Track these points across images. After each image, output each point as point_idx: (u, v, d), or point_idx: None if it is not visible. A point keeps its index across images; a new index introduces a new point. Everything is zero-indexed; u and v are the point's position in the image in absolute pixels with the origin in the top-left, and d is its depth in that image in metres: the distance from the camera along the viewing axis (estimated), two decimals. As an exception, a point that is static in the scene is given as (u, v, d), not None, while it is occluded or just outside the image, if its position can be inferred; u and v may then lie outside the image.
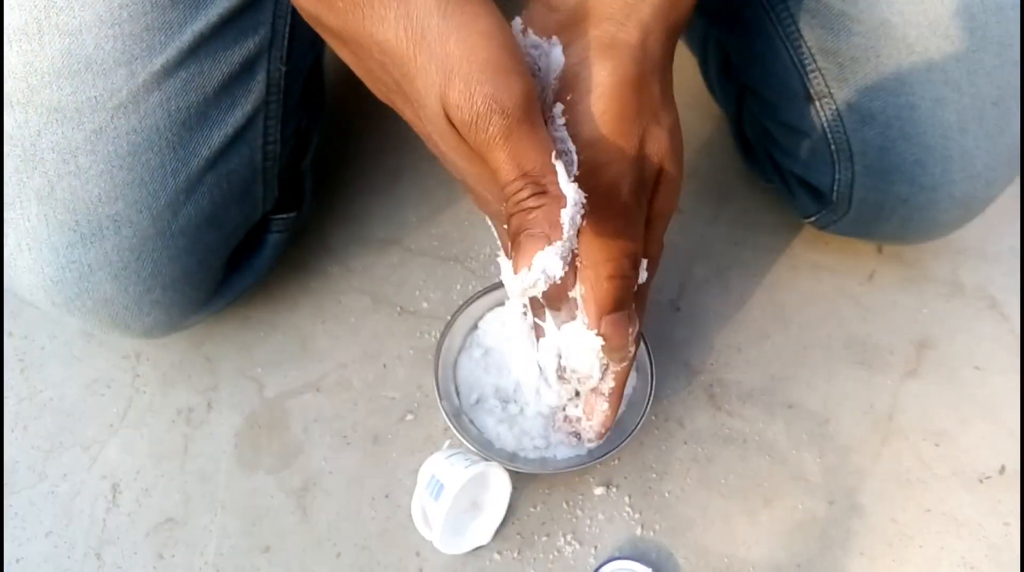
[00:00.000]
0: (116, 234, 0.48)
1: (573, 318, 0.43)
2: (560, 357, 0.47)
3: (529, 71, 0.33)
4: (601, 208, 0.37)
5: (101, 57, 0.46)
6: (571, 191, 0.32)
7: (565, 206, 0.32)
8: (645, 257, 0.42)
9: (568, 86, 0.37)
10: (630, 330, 0.42)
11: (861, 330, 0.63)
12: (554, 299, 0.43)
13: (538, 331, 0.48)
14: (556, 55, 0.37)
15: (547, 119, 0.36)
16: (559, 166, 0.32)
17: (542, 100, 0.38)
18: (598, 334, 0.41)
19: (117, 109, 0.47)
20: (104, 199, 0.47)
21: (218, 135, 0.50)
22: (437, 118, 0.32)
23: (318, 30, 0.36)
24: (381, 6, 0.32)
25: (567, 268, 0.32)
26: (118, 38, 0.46)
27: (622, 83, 0.37)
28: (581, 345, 0.43)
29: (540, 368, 0.51)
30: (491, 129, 0.31)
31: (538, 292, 0.32)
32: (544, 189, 0.32)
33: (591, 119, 0.37)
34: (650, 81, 0.38)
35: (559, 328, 0.46)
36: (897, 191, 0.54)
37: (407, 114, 0.37)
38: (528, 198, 0.32)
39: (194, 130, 0.49)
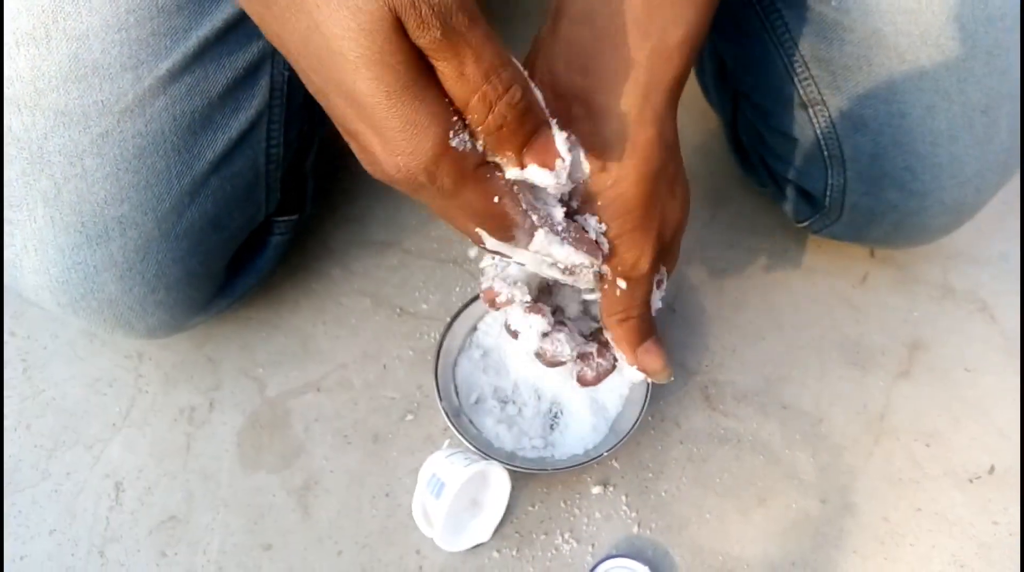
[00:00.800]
0: (122, 236, 0.48)
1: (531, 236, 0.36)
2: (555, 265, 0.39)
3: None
4: (625, 279, 0.41)
5: (108, 62, 0.47)
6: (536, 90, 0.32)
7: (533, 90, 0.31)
8: (666, 274, 0.45)
9: (590, 184, 0.38)
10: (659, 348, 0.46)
11: (854, 332, 0.64)
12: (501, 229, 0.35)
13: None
14: (580, 159, 0.36)
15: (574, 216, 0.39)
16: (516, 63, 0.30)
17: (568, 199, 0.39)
18: (639, 368, 0.46)
19: (123, 113, 0.47)
20: (110, 201, 0.48)
21: (222, 139, 0.50)
22: (353, 15, 0.26)
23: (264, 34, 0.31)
24: None
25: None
26: (124, 43, 0.47)
27: (644, 180, 0.38)
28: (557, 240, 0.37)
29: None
30: (456, 20, 0.27)
31: (581, 170, 0.35)
32: (525, 81, 0.30)
33: (617, 217, 0.39)
34: (667, 165, 0.40)
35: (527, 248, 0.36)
36: (888, 197, 0.55)
37: (282, 35, 0.29)
38: (523, 96, 0.29)
39: (198, 134, 0.49)
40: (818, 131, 0.55)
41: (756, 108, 0.59)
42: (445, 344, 0.56)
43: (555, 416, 0.56)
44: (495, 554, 0.52)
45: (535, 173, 0.32)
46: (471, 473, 0.46)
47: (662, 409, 0.59)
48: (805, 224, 0.62)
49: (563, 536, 0.53)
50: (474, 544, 0.50)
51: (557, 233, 0.36)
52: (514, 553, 0.52)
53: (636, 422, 0.53)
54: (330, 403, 0.59)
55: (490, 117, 0.29)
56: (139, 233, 0.48)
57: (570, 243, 0.36)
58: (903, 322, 0.65)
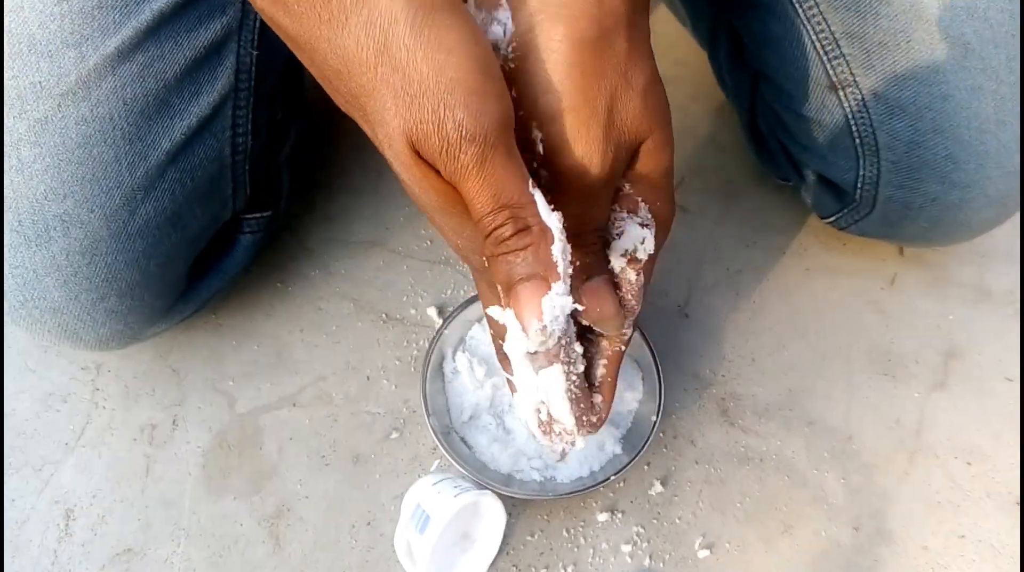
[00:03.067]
0: (65, 236, 0.43)
1: (550, 363, 0.35)
2: (540, 410, 0.38)
3: (506, 91, 0.29)
4: (563, 188, 0.33)
5: (46, 37, 0.42)
6: (554, 221, 0.29)
7: (552, 241, 0.29)
8: (655, 220, 0.36)
9: (520, 58, 0.32)
10: (621, 299, 0.37)
11: (883, 338, 0.58)
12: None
13: (510, 386, 0.40)
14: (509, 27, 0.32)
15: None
16: (538, 195, 0.29)
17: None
18: (584, 314, 0.36)
19: (64, 96, 0.42)
20: (51, 197, 0.42)
21: (180, 126, 0.45)
22: (398, 142, 0.29)
23: (276, 31, 0.31)
24: (341, 9, 0.28)
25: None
26: (66, 16, 0.42)
27: (575, 47, 0.31)
28: (562, 392, 0.36)
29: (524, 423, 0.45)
30: (462, 158, 0.28)
31: (552, 344, 0.30)
32: (526, 223, 0.30)
33: (547, 92, 0.32)
34: (612, 38, 0.32)
35: (536, 373, 0.35)
36: (927, 189, 0.50)
37: (367, 131, 0.32)
38: (511, 236, 0.29)
39: (153, 120, 0.44)
40: (849, 116, 0.50)
41: (778, 91, 0.54)
42: (435, 354, 0.51)
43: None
44: (490, 590, 0.47)
45: (509, 321, 0.31)
46: (460, 505, 0.40)
47: (675, 425, 0.53)
48: (831, 220, 0.57)
49: (566, 570, 0.47)
50: (465, 584, 0.45)
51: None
52: (511, 589, 0.47)
53: (647, 441, 0.48)
54: (307, 420, 0.53)
55: (485, 243, 0.30)
56: (85, 232, 0.43)
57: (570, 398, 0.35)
58: (936, 327, 0.59)
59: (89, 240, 0.43)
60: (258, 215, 0.54)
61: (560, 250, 0.30)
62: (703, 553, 0.48)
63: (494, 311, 0.32)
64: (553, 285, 0.30)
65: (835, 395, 0.55)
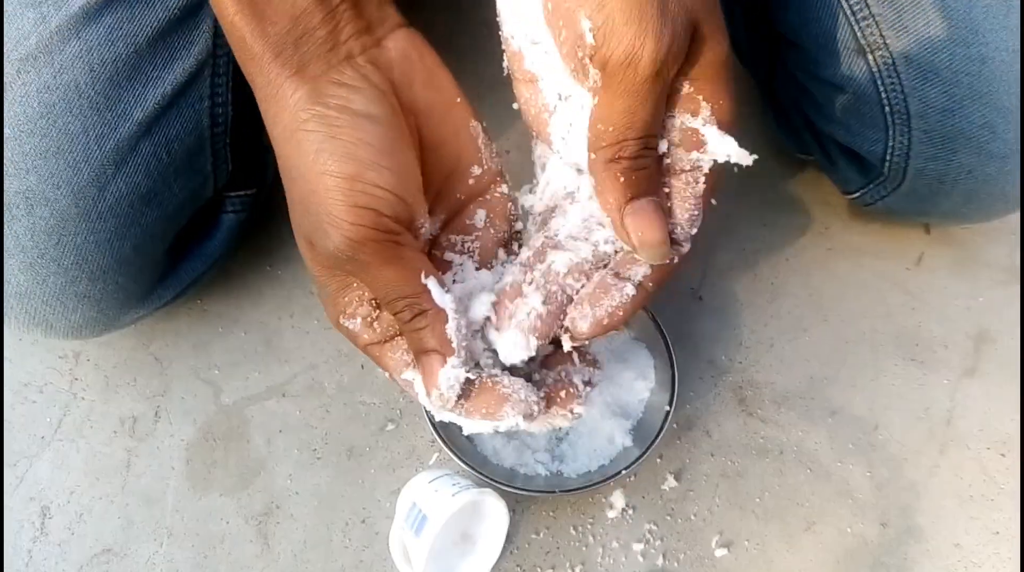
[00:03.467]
0: (28, 214, 0.40)
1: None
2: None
3: (374, 200, 0.31)
4: (612, 85, 0.30)
5: (3, -4, 0.38)
6: (448, 303, 0.32)
7: (447, 320, 0.32)
8: (717, 122, 0.32)
9: None
10: (669, 224, 0.33)
11: (910, 322, 0.55)
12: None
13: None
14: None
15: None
16: (431, 283, 0.32)
17: None
18: (625, 231, 0.32)
19: (24, 61, 0.39)
20: (12, 171, 0.39)
21: (153, 95, 0.42)
22: (302, 242, 0.32)
23: None
24: (267, 114, 0.31)
25: (471, 372, 0.33)
26: (24, -27, 0.38)
27: None
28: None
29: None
30: (348, 266, 0.32)
31: (450, 407, 0.33)
32: (421, 308, 0.32)
33: None
34: None
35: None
36: (961, 160, 0.46)
37: None
38: (411, 319, 0.32)
39: (123, 88, 0.41)
40: (879, 81, 0.46)
41: (801, 56, 0.50)
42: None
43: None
44: (492, 592, 0.44)
45: (417, 383, 0.34)
46: (459, 505, 0.37)
47: (690, 415, 0.50)
48: (856, 195, 0.53)
49: (574, 570, 0.45)
50: (465, 588, 0.42)
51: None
52: (515, 591, 0.44)
53: (660, 432, 0.45)
54: (297, 411, 0.50)
55: (395, 320, 0.34)
56: (51, 211, 0.40)
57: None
58: (966, 310, 0.56)
59: (55, 219, 0.40)
60: (242, 193, 0.51)
61: (454, 328, 0.32)
62: (720, 552, 0.45)
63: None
64: (448, 359, 0.32)
65: (859, 383, 0.52)
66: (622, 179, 0.31)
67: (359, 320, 0.34)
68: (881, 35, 0.46)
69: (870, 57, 0.46)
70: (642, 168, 0.31)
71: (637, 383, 0.48)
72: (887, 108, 0.47)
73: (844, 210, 0.59)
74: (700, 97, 0.31)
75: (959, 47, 0.44)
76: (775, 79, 0.56)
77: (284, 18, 0.30)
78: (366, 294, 0.33)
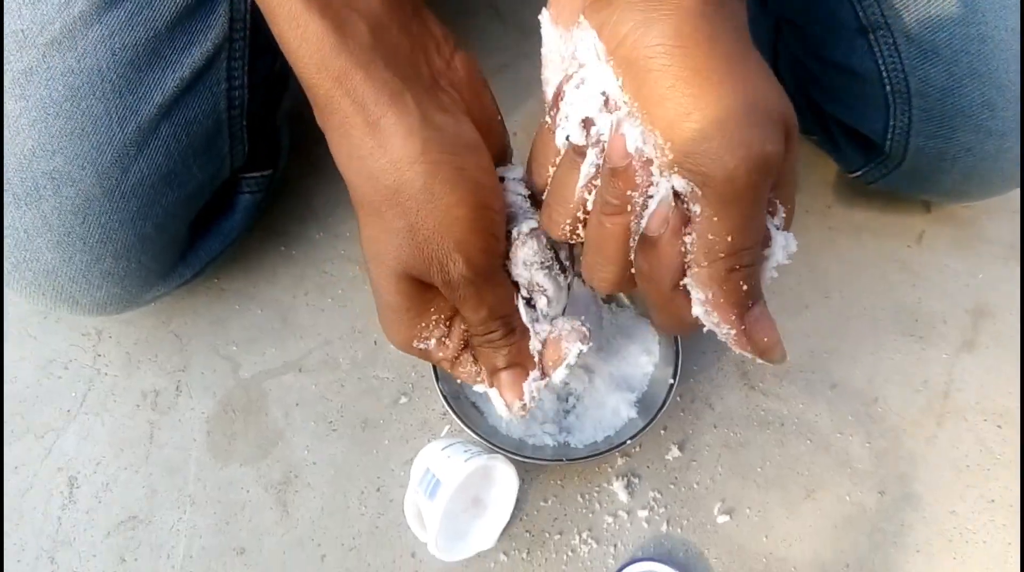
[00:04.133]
0: (55, 194, 0.41)
1: None
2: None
3: (498, 225, 0.34)
4: (712, 200, 0.26)
5: (28, -18, 0.39)
6: (528, 321, 0.36)
7: (530, 338, 0.36)
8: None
9: (623, 74, 0.27)
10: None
11: (910, 298, 0.56)
12: None
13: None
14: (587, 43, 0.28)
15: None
16: (520, 304, 0.36)
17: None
18: (747, 340, 0.30)
19: (49, 45, 0.40)
20: (39, 153, 0.40)
21: (173, 78, 0.43)
22: (386, 270, 0.33)
23: None
24: (363, 145, 0.31)
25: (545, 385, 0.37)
26: (48, -40, 0.39)
27: (687, 45, 0.25)
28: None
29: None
30: (461, 292, 0.33)
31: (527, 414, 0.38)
32: (512, 327, 0.35)
33: (664, 102, 0.26)
34: (731, 10, 0.27)
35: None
36: (961, 139, 0.47)
37: (360, 219, 0.34)
38: (503, 337, 0.35)
39: (144, 71, 0.42)
40: (880, 61, 0.47)
41: (803, 37, 0.51)
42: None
43: (571, 398, 0.49)
44: (502, 557, 0.45)
45: (494, 397, 0.38)
46: (471, 469, 0.38)
47: (693, 388, 0.51)
48: (858, 174, 0.54)
49: (580, 536, 0.46)
50: (476, 551, 0.44)
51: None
52: (524, 556, 0.45)
53: (664, 404, 0.46)
54: (313, 385, 0.52)
55: (474, 340, 0.37)
56: (76, 190, 0.41)
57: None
58: (965, 286, 0.57)
59: (81, 199, 0.41)
60: (258, 174, 0.52)
61: (535, 347, 0.36)
62: (722, 519, 0.47)
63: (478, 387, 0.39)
64: (531, 373, 0.37)
65: (859, 357, 0.53)
66: (745, 288, 0.28)
67: (433, 341, 0.36)
68: (882, 15, 0.46)
69: (872, 37, 0.47)
70: (755, 273, 0.29)
71: (642, 357, 0.49)
72: (888, 87, 0.48)
73: (846, 189, 0.60)
74: (778, 200, 0.29)
75: (959, 26, 0.45)
76: (777, 59, 0.57)
77: (363, 27, 0.30)
78: (443, 316, 0.36)
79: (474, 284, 0.33)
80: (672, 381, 0.47)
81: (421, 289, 0.34)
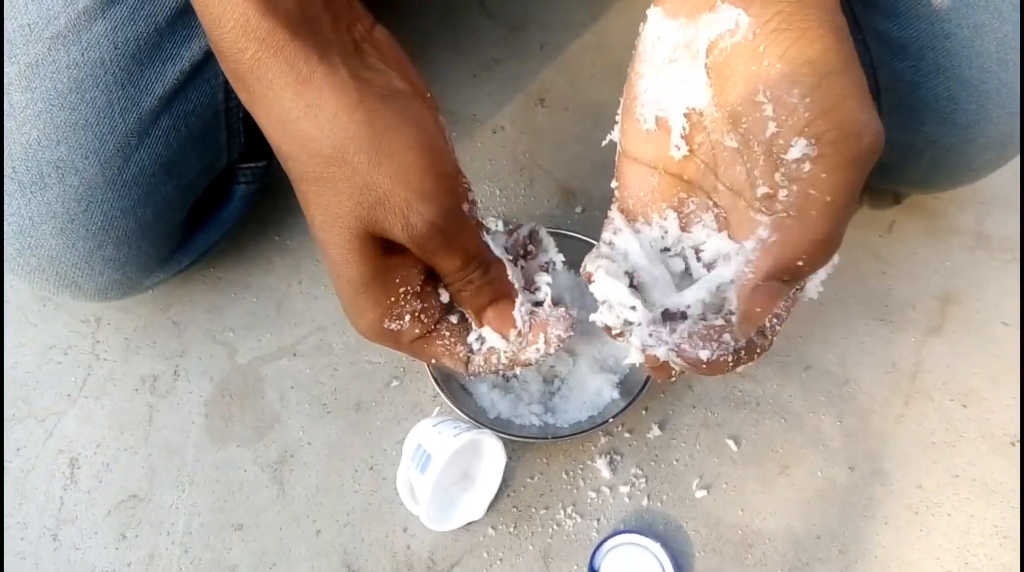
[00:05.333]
0: (60, 182, 0.43)
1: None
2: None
3: (454, 172, 0.34)
4: (826, 159, 0.30)
5: (34, -22, 0.41)
6: (503, 254, 0.37)
7: (505, 266, 0.37)
8: None
9: (774, 47, 0.30)
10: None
11: (881, 285, 0.58)
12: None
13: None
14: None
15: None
16: (488, 238, 0.36)
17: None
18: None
19: (55, 39, 0.42)
20: (44, 143, 0.42)
21: (173, 70, 0.44)
22: (340, 231, 0.32)
23: None
24: (295, 108, 0.30)
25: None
26: (53, -43, 0.41)
27: (843, 60, 0.30)
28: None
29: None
30: (431, 244, 0.33)
31: (531, 341, 0.38)
32: (489, 264, 0.36)
33: (819, 119, 0.29)
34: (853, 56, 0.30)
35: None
36: (928, 131, 0.49)
37: (300, 199, 0.34)
38: (483, 274, 0.36)
39: (145, 64, 0.44)
40: (849, 57, 0.49)
41: (778, 34, 0.53)
42: (433, 303, 0.51)
43: (556, 380, 0.51)
44: (490, 531, 0.47)
45: (489, 335, 0.38)
46: (460, 444, 0.40)
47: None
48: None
49: (565, 511, 0.48)
50: (466, 522, 0.46)
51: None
52: (511, 530, 0.47)
53: (645, 385, 0.48)
54: (307, 369, 0.53)
55: (452, 288, 0.37)
56: (80, 179, 0.43)
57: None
58: (934, 274, 0.59)
59: (84, 187, 0.43)
60: (253, 165, 0.53)
61: (511, 273, 0.37)
62: (700, 493, 0.49)
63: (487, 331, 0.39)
64: (516, 299, 0.37)
65: (832, 340, 0.55)
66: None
67: (407, 318, 0.35)
68: (852, 12, 0.48)
69: (842, 34, 0.49)
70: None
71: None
72: (858, 82, 0.50)
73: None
74: None
75: (924, 24, 0.47)
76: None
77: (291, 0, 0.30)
78: (411, 288, 0.35)
79: (442, 232, 0.32)
80: (653, 363, 0.49)
81: (385, 256, 0.33)
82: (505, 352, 0.39)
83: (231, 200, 0.53)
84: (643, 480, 0.49)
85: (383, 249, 0.33)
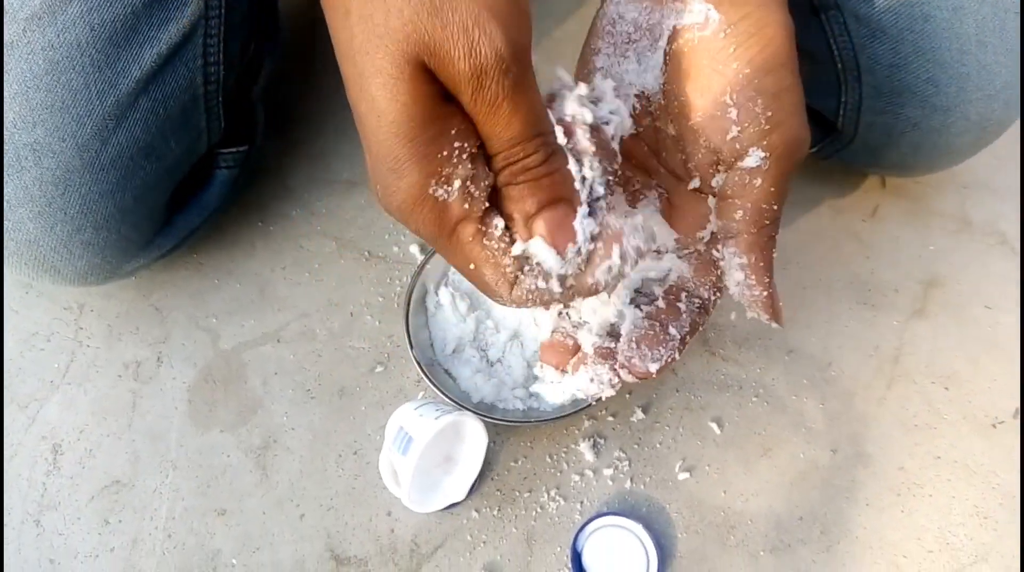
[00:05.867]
0: (36, 165, 0.42)
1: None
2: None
3: (528, 14, 0.27)
4: (774, 171, 0.33)
5: (8, -41, 0.40)
6: (586, 143, 0.30)
7: (569, 164, 0.30)
8: None
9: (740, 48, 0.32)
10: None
11: (864, 269, 0.59)
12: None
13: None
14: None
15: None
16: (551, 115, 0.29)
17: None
18: (771, 304, 0.36)
19: (30, 20, 0.41)
20: (20, 125, 0.42)
21: (150, 53, 0.44)
22: (392, 50, 0.25)
23: None
24: None
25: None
26: (27, -63, 0.40)
27: (787, 28, 0.32)
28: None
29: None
30: (495, 86, 0.26)
31: (585, 261, 0.31)
32: (554, 148, 0.29)
33: (771, 71, 0.32)
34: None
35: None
36: (908, 114, 0.50)
37: (337, 32, 0.28)
38: (541, 163, 0.28)
39: (121, 47, 0.43)
40: (831, 39, 0.49)
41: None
42: (417, 288, 0.51)
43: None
44: (474, 514, 0.47)
45: (539, 249, 0.29)
46: (441, 426, 0.40)
47: (656, 354, 0.54)
48: (814, 150, 0.57)
49: (549, 493, 0.48)
50: (447, 504, 0.46)
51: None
52: (495, 513, 0.47)
53: (628, 368, 0.48)
54: (291, 355, 0.53)
55: (502, 174, 0.28)
56: (57, 162, 0.42)
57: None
58: (917, 257, 0.59)
59: (62, 170, 0.43)
60: (234, 150, 0.53)
61: (576, 171, 0.29)
62: (683, 476, 0.49)
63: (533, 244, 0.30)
64: (579, 208, 0.30)
65: (815, 324, 0.56)
66: (775, 254, 0.35)
67: (457, 183, 0.27)
68: (832, -6, 0.49)
69: (823, 17, 0.49)
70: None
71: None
72: (839, 65, 0.50)
73: (806, 167, 0.62)
74: None
75: (903, 7, 0.47)
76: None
77: None
78: (468, 145, 0.27)
79: (511, 73, 0.25)
80: (636, 346, 0.49)
81: (438, 97, 0.26)
82: (560, 273, 0.30)
83: (212, 184, 0.53)
84: (626, 463, 0.49)
85: (437, 89, 0.26)
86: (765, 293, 0.35)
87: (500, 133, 0.27)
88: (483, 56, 0.25)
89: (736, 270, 0.35)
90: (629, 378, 0.36)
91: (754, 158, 0.32)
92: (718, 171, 0.34)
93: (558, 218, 0.29)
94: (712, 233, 0.36)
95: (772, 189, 0.33)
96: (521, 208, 0.29)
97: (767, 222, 0.34)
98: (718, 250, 0.36)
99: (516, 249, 0.30)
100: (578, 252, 0.30)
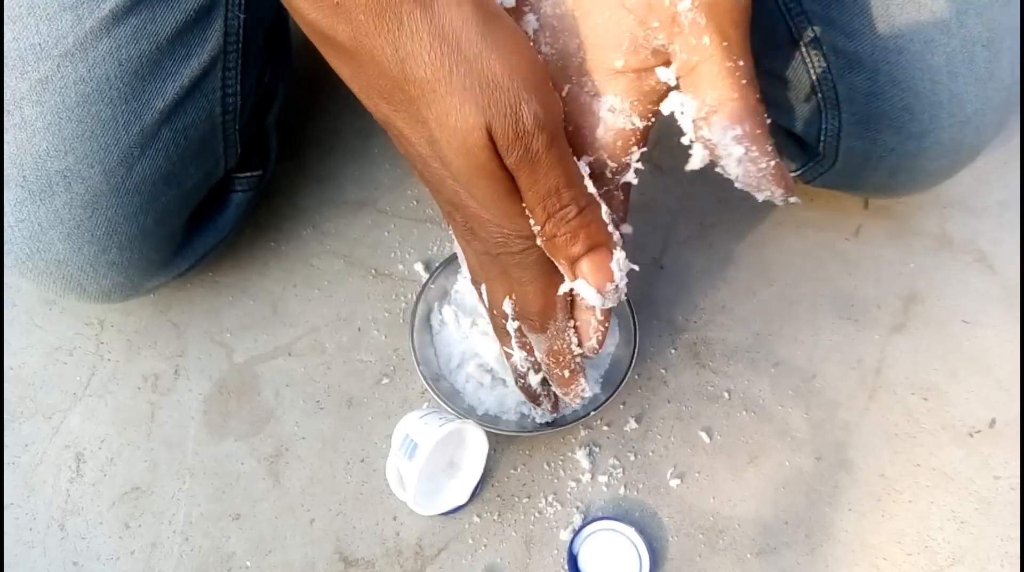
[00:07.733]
0: (67, 190, 0.45)
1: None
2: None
3: (548, 76, 0.33)
4: (728, 30, 0.32)
5: (44, 1, 0.44)
6: (595, 189, 0.34)
7: (601, 210, 0.34)
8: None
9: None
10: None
11: (847, 285, 0.61)
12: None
13: (507, 358, 0.46)
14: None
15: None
16: (584, 167, 0.33)
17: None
18: (779, 173, 0.35)
19: (64, 57, 0.44)
20: (52, 153, 0.44)
21: (172, 86, 0.47)
22: (474, 135, 0.30)
23: (320, 44, 0.33)
24: (411, 19, 0.30)
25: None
26: (62, -20, 0.43)
27: None
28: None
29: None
30: (535, 145, 0.31)
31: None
32: (589, 200, 0.33)
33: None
34: None
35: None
36: (885, 140, 0.52)
37: (407, 134, 0.33)
38: (577, 214, 0.33)
39: (147, 81, 0.46)
40: (812, 71, 0.52)
41: (745, 49, 0.56)
42: (422, 306, 0.54)
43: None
44: (476, 519, 0.50)
45: (583, 288, 0.35)
46: (445, 432, 0.43)
47: (649, 367, 0.56)
48: (797, 173, 0.60)
49: (546, 499, 0.51)
50: (451, 507, 0.48)
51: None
52: (495, 517, 0.50)
53: (623, 381, 0.51)
54: (301, 368, 0.56)
55: (546, 226, 0.33)
56: (86, 187, 0.45)
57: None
58: (898, 274, 0.62)
59: (90, 195, 0.46)
60: (249, 174, 0.56)
61: (607, 216, 0.34)
62: (674, 482, 0.52)
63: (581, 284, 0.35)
64: (615, 252, 0.34)
65: (800, 338, 0.58)
66: (769, 120, 0.34)
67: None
68: (812, 29, 0.51)
69: (804, 50, 0.52)
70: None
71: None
72: (820, 95, 0.53)
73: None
74: None
75: (879, 40, 0.50)
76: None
77: None
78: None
79: (548, 131, 0.30)
80: (631, 361, 0.51)
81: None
82: (601, 308, 0.37)
83: (228, 207, 0.56)
84: (620, 470, 0.52)
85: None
86: (772, 162, 0.34)
87: (542, 185, 0.32)
88: (525, 123, 0.30)
89: (733, 145, 0.33)
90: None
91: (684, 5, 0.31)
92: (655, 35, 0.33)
93: (597, 262, 0.35)
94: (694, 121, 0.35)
95: (725, 43, 0.32)
96: (564, 255, 0.35)
97: (743, 80, 0.32)
98: (709, 132, 0.34)
99: (563, 288, 0.36)
100: (615, 289, 0.35)
